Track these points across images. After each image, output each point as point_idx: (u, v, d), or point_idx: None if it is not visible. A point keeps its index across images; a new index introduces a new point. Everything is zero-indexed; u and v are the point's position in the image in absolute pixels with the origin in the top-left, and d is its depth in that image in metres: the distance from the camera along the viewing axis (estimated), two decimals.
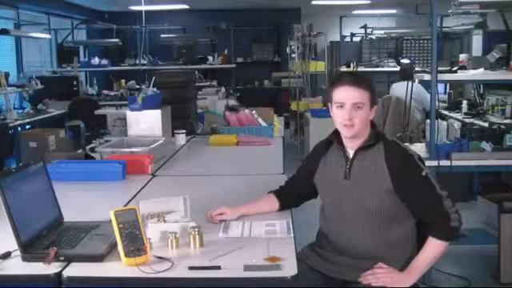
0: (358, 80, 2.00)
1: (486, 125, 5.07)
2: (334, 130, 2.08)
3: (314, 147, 2.25)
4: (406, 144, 4.00)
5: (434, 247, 1.97)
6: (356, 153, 2.03)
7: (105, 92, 8.84)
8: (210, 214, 2.03)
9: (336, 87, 2.00)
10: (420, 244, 2.06)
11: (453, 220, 1.94)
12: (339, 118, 1.99)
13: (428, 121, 3.85)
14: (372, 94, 2.00)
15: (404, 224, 2.01)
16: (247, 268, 1.60)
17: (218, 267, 1.60)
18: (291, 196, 2.21)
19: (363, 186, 1.98)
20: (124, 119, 3.65)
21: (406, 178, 1.95)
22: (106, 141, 3.52)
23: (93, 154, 3.18)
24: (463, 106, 5.95)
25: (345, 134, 2.02)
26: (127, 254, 1.61)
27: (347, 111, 1.97)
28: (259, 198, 2.21)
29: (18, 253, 1.66)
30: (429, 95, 4.07)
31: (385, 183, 1.95)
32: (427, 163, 3.47)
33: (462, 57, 4.06)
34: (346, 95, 1.97)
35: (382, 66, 7.96)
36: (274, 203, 2.17)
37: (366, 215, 1.98)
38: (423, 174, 1.96)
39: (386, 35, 9.63)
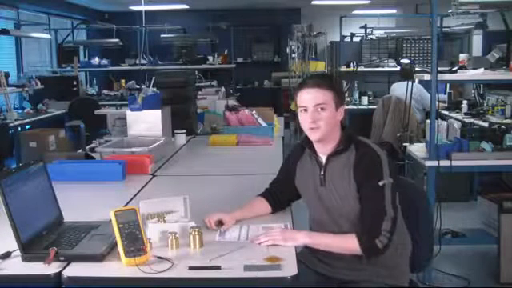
0: (318, 81, 1.97)
1: (486, 125, 5.06)
2: (305, 135, 2.05)
3: (290, 151, 2.23)
4: (405, 144, 4.05)
5: (346, 243, 1.89)
6: (328, 158, 2.01)
7: (105, 92, 8.83)
8: (208, 221, 1.99)
9: (299, 91, 1.99)
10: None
11: (380, 241, 1.84)
12: (304, 121, 1.97)
13: (428, 121, 3.85)
14: (337, 94, 1.96)
15: None
16: (247, 268, 1.60)
17: (218, 267, 1.60)
18: (280, 198, 2.19)
19: (338, 190, 1.96)
20: (124, 119, 3.65)
21: (364, 182, 1.91)
22: (106, 141, 3.52)
23: (93, 154, 3.18)
24: (463, 105, 5.95)
25: (311, 137, 2.00)
26: (127, 254, 1.61)
27: (310, 113, 1.95)
28: (251, 202, 2.17)
29: (18, 253, 1.66)
30: (429, 95, 4.08)
31: (353, 187, 1.93)
32: (427, 163, 3.52)
33: (462, 57, 4.04)
34: (307, 97, 1.96)
35: (382, 66, 7.94)
36: (266, 207, 2.16)
37: (346, 218, 1.96)
38: (380, 183, 1.88)
39: (385, 35, 9.62)
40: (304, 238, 1.89)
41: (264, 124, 4.05)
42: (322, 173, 2.01)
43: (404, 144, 4.12)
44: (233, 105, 4.51)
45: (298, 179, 2.13)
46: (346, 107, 7.23)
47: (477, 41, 7.48)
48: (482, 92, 6.15)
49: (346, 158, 1.96)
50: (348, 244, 1.88)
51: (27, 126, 6.79)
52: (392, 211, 1.87)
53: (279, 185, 2.22)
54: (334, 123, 1.98)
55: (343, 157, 1.98)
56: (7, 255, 1.67)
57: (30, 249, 1.66)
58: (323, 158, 2.03)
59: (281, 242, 1.79)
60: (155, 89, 3.95)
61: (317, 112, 1.94)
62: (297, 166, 2.13)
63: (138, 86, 8.27)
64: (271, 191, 2.21)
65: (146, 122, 3.55)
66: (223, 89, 7.05)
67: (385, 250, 1.86)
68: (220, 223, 1.98)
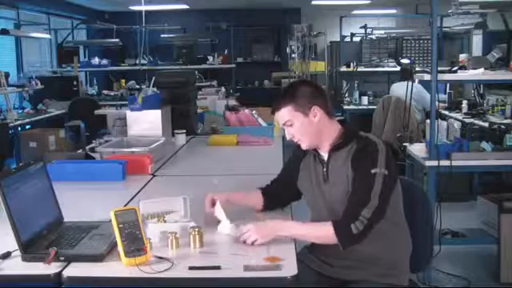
0: (275, 104, 2.03)
1: (486, 125, 5.06)
2: None
3: (292, 152, 2.23)
4: (405, 144, 4.06)
5: (320, 230, 1.89)
6: (330, 154, 2.01)
7: (105, 92, 8.83)
8: (209, 211, 2.02)
9: None
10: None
11: (356, 226, 1.81)
12: None
13: (428, 121, 3.85)
14: (295, 102, 1.97)
15: (387, 220, 1.93)
16: (247, 268, 1.60)
17: (218, 267, 1.60)
18: (277, 197, 2.19)
19: (340, 186, 1.95)
20: (124, 119, 3.65)
21: (356, 169, 1.90)
22: (106, 141, 3.52)
23: (93, 154, 3.18)
24: (463, 106, 5.95)
25: (302, 147, 2.05)
26: (127, 254, 1.61)
27: (286, 132, 2.03)
28: (248, 192, 2.21)
29: (18, 253, 1.66)
30: (429, 95, 4.08)
31: (351, 177, 1.91)
32: (427, 163, 3.52)
33: (462, 57, 4.06)
34: (277, 120, 2.07)
35: (382, 66, 7.96)
36: (259, 201, 2.16)
37: None
38: (372, 171, 1.86)
39: (385, 35, 9.63)
40: (275, 232, 1.84)
41: (264, 124, 4.05)
42: (325, 169, 2.02)
43: (404, 144, 4.12)
44: (233, 105, 4.51)
45: (301, 179, 2.13)
46: (347, 107, 7.27)
47: (477, 41, 7.48)
48: (482, 92, 6.15)
49: (347, 154, 1.96)
50: (324, 232, 1.86)
51: (27, 126, 6.79)
52: (377, 201, 1.84)
53: (277, 185, 2.23)
54: (313, 128, 1.99)
55: (344, 152, 1.98)
56: (7, 255, 1.67)
57: (29, 249, 1.66)
58: (325, 156, 2.03)
59: (259, 237, 1.78)
60: (155, 89, 3.95)
61: (289, 128, 2.02)
62: (300, 166, 2.13)
63: (138, 86, 8.26)
64: (269, 189, 2.21)
65: (146, 122, 3.54)
66: (223, 89, 7.05)
67: (360, 237, 1.83)
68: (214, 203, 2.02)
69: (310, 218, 2.13)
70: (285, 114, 1.99)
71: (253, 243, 1.79)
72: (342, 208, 1.91)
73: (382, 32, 9.96)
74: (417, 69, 6.32)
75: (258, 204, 2.17)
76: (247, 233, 1.81)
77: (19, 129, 6.52)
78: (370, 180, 1.86)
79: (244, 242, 1.80)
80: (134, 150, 3.06)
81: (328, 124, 2.01)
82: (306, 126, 1.98)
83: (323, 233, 1.87)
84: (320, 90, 2.06)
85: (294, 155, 2.20)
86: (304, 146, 2.03)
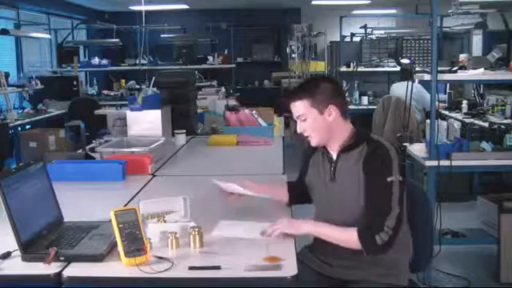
0: (291, 95, 2.03)
1: (486, 125, 5.07)
2: None
3: (303, 150, 2.25)
4: (405, 144, 4.06)
5: (346, 236, 1.89)
6: (339, 154, 2.01)
7: (105, 92, 8.83)
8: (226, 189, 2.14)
9: None
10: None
11: (380, 237, 1.83)
12: None
13: (428, 121, 3.85)
14: (313, 98, 1.96)
15: None
16: (247, 268, 1.60)
17: (218, 267, 1.60)
18: (300, 194, 2.21)
19: (347, 187, 1.96)
20: (124, 119, 3.65)
21: (372, 177, 1.90)
22: (106, 141, 3.52)
23: (93, 154, 3.18)
24: (463, 105, 5.95)
25: (311, 144, 2.05)
26: (127, 254, 1.61)
27: (298, 125, 2.03)
28: (275, 184, 2.29)
29: (18, 253, 1.66)
30: (429, 95, 4.08)
31: (362, 181, 1.92)
32: (427, 163, 3.52)
33: (462, 57, 4.06)
34: (292, 112, 2.03)
35: (382, 66, 7.95)
36: (284, 194, 2.23)
37: (351, 216, 1.94)
38: (388, 179, 1.87)
39: (385, 35, 9.63)
40: (308, 227, 1.94)
41: (264, 124, 4.05)
42: (333, 168, 2.02)
43: (404, 144, 4.12)
44: (233, 105, 4.50)
45: (310, 176, 2.14)
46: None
47: (477, 41, 7.49)
48: (482, 92, 6.15)
49: (357, 156, 1.96)
50: (348, 237, 1.88)
51: (27, 126, 6.79)
52: (397, 208, 1.87)
53: (297, 182, 2.26)
54: (325, 126, 1.99)
55: (354, 153, 1.98)
56: (7, 255, 1.67)
57: (30, 249, 1.66)
58: (334, 155, 2.04)
59: (286, 229, 1.86)
60: (155, 89, 3.95)
61: (302, 123, 2.01)
62: (309, 164, 2.15)
63: (138, 86, 8.26)
64: (293, 185, 2.27)
65: (146, 122, 3.54)
66: (223, 89, 7.05)
67: (385, 247, 1.85)
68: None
69: (315, 215, 2.13)
70: (300, 107, 1.98)
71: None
72: (348, 208, 1.93)
73: (382, 32, 9.96)
74: (417, 69, 6.32)
75: (283, 198, 2.23)
76: (277, 225, 1.87)
77: (19, 129, 6.52)
78: (388, 189, 1.87)
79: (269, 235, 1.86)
80: (133, 150, 3.06)
81: (341, 124, 2.01)
82: (318, 123, 1.98)
83: (348, 238, 1.89)
84: (340, 89, 2.07)
85: (304, 153, 2.21)
86: (313, 143, 2.03)
